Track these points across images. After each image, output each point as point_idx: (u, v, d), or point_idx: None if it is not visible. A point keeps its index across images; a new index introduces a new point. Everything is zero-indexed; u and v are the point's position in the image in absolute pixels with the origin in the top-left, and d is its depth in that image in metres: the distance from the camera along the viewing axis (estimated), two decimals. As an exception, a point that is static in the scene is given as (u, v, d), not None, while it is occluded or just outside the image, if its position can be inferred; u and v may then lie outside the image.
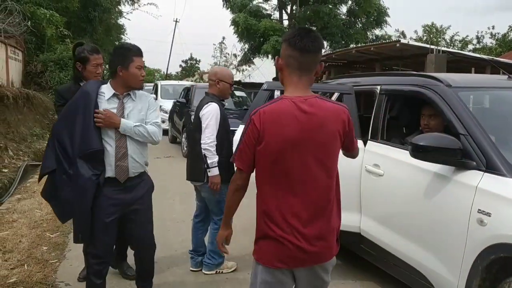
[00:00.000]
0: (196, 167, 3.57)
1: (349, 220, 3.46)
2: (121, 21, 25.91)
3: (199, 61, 46.46)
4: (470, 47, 30.09)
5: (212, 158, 3.38)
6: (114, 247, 3.09)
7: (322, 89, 5.04)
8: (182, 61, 47.49)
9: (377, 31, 20.64)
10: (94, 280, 2.81)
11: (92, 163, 2.62)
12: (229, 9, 19.47)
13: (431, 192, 2.77)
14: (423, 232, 2.83)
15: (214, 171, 3.39)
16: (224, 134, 3.51)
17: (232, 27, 18.97)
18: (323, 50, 1.85)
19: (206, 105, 3.49)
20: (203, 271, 3.73)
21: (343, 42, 18.41)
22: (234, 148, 2.27)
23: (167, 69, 41.54)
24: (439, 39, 30.09)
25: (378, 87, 3.61)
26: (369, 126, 3.58)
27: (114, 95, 2.75)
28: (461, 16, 74.49)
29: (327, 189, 1.91)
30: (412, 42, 12.63)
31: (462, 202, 2.52)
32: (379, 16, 19.19)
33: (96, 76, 3.23)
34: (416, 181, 2.90)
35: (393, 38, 22.82)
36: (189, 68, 45.42)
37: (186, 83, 16.58)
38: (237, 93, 11.52)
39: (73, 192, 2.62)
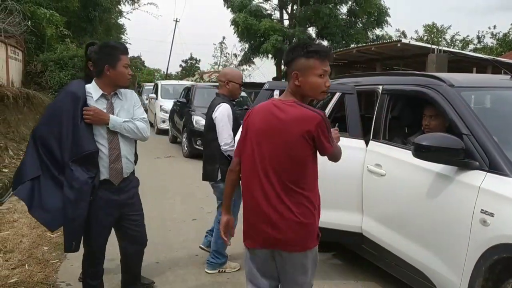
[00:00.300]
0: (209, 167, 3.68)
1: (350, 220, 3.45)
2: (121, 20, 25.99)
3: (199, 61, 46.47)
4: (471, 46, 30.10)
5: (231, 148, 3.47)
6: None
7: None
8: (182, 61, 47.51)
9: (378, 31, 20.66)
10: (91, 282, 2.81)
11: (86, 165, 2.56)
12: (229, 9, 19.46)
13: (433, 192, 2.76)
14: (426, 232, 2.82)
15: None
16: (233, 133, 3.59)
17: (232, 27, 18.97)
18: (291, 63, 2.11)
19: (217, 106, 3.61)
20: (205, 270, 3.73)
21: (343, 42, 18.39)
22: None
23: (167, 69, 41.56)
24: (440, 39, 30.09)
25: (380, 87, 3.60)
26: (371, 126, 3.57)
27: (102, 95, 2.69)
28: (462, 16, 74.57)
29: (288, 181, 2.06)
30: (413, 42, 12.62)
31: (465, 202, 2.51)
32: (380, 16, 19.17)
33: None
34: (419, 181, 2.89)
35: (394, 38, 22.84)
36: (189, 68, 45.41)
37: (186, 83, 16.58)
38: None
39: (67, 197, 2.52)
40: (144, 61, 44.24)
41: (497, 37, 29.30)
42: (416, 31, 32.71)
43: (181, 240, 4.53)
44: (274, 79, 18.56)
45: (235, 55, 24.89)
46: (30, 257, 3.85)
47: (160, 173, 7.86)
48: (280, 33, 17.47)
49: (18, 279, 3.42)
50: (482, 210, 2.39)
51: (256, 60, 21.90)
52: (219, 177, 3.59)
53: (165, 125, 13.04)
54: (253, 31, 17.87)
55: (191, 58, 46.40)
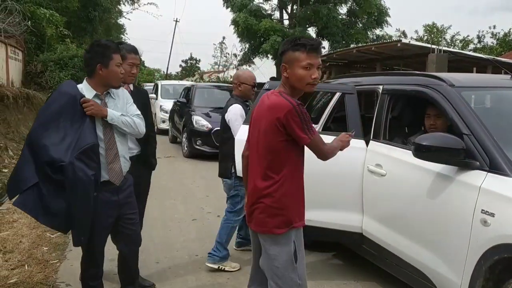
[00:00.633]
0: (223, 164, 3.86)
1: (351, 220, 3.45)
2: (121, 20, 25.99)
3: (199, 61, 46.43)
4: (471, 46, 30.08)
5: None
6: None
7: (323, 89, 5.03)
8: (182, 61, 47.44)
9: (378, 31, 20.64)
10: (91, 283, 2.80)
11: (87, 162, 2.50)
12: (229, 9, 19.45)
13: (434, 192, 2.75)
14: (426, 233, 2.82)
15: None
16: None
17: (232, 26, 18.97)
18: (282, 56, 2.26)
19: (229, 108, 3.81)
20: (206, 263, 3.78)
21: (343, 42, 18.39)
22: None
23: (167, 69, 41.53)
24: (440, 39, 30.08)
25: (380, 87, 3.59)
26: (371, 126, 3.57)
27: (95, 95, 2.65)
28: (462, 16, 74.56)
29: (260, 165, 2.23)
30: (413, 42, 12.62)
31: (465, 202, 2.50)
32: (380, 16, 19.16)
33: (130, 76, 3.13)
34: (419, 181, 2.88)
35: (394, 38, 22.82)
36: (189, 68, 45.38)
37: (186, 83, 16.57)
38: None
39: (73, 198, 2.48)
40: (144, 61, 44.21)
41: (497, 36, 29.30)
42: (416, 31, 32.70)
43: (182, 240, 4.53)
44: (272, 79, 18.54)
45: (235, 55, 24.86)
46: (30, 257, 3.84)
47: (160, 173, 7.84)
48: (280, 33, 17.47)
49: (18, 280, 3.41)
50: (482, 210, 2.39)
51: (256, 60, 21.90)
52: (233, 174, 3.75)
53: (165, 125, 13.04)
54: (253, 31, 17.87)
55: (191, 58, 46.38)
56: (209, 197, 6.28)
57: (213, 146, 9.30)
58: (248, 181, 2.36)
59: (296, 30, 17.76)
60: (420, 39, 30.12)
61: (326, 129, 4.21)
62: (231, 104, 3.83)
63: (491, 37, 29.94)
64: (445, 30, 31.58)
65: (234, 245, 4.25)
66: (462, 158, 2.58)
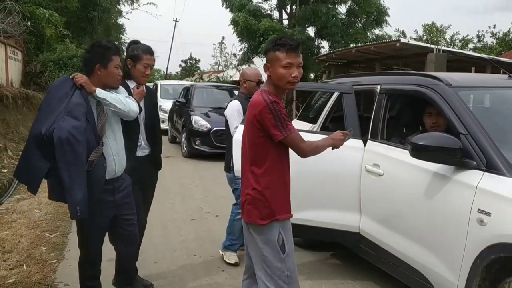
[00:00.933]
0: (225, 160, 4.03)
1: (348, 219, 3.46)
2: (121, 20, 25.95)
3: (199, 61, 46.38)
4: (471, 46, 30.06)
5: None
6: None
7: (321, 88, 5.04)
8: (182, 61, 47.41)
9: (377, 31, 20.60)
10: (88, 283, 2.80)
11: (74, 123, 2.44)
12: (228, 9, 19.43)
13: (431, 192, 2.76)
14: (423, 232, 2.82)
15: None
16: None
17: (232, 26, 18.95)
18: (265, 56, 2.37)
19: (228, 104, 3.98)
20: (219, 250, 4.06)
21: (343, 42, 18.34)
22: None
23: (167, 68, 41.49)
24: (439, 39, 30.06)
25: (378, 87, 3.59)
26: (369, 126, 3.57)
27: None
28: (462, 16, 74.54)
29: (247, 160, 2.35)
30: (412, 42, 12.61)
31: (462, 201, 2.51)
32: (379, 16, 19.11)
33: (144, 77, 3.12)
34: (416, 181, 2.89)
35: (393, 38, 22.79)
36: (189, 68, 45.34)
37: (186, 83, 16.57)
38: (237, 92, 11.53)
39: (60, 159, 2.39)
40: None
41: (497, 36, 29.27)
42: (416, 31, 32.65)
43: (181, 240, 4.53)
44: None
45: (235, 55, 24.80)
46: (28, 257, 3.85)
47: (160, 173, 7.86)
48: (279, 33, 17.42)
49: (16, 280, 3.42)
50: (479, 209, 2.39)
51: (256, 59, 21.87)
52: (232, 168, 3.86)
53: (165, 125, 13.04)
54: (253, 31, 17.85)
55: (191, 58, 46.34)
56: (208, 197, 6.28)
57: (212, 146, 9.32)
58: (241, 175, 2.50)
59: (295, 30, 17.73)
60: (419, 38, 30.08)
61: (325, 128, 4.23)
62: (231, 101, 3.99)
63: (490, 37, 29.92)
64: (444, 30, 31.56)
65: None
66: (459, 158, 2.59)
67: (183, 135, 10.22)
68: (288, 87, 2.32)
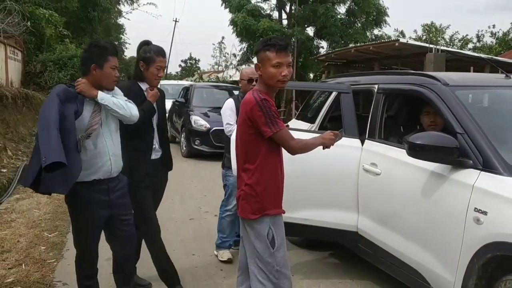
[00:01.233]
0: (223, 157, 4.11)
1: (346, 219, 3.46)
2: (121, 21, 25.94)
3: (199, 60, 46.44)
4: (470, 45, 30.05)
5: (232, 132, 3.81)
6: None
7: (320, 88, 5.05)
8: (182, 60, 47.47)
9: (377, 31, 20.60)
10: (86, 282, 2.80)
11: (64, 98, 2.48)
12: (227, 9, 19.43)
13: (428, 191, 2.77)
14: (420, 231, 2.83)
15: None
16: None
17: (231, 26, 18.95)
18: (256, 56, 2.47)
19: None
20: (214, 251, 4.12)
21: (342, 42, 18.35)
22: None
23: (167, 68, 41.49)
24: (439, 38, 30.05)
25: (376, 86, 3.60)
26: (367, 125, 3.58)
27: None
28: (461, 16, 74.51)
29: (241, 157, 2.42)
30: (411, 41, 12.62)
31: (458, 200, 2.52)
32: (379, 16, 19.12)
33: (156, 79, 3.10)
34: (413, 180, 2.90)
35: (393, 38, 22.79)
36: (189, 68, 45.35)
37: (186, 83, 16.57)
38: (236, 92, 11.53)
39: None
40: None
41: (496, 36, 29.27)
42: (415, 31, 32.66)
43: (179, 239, 4.54)
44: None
45: (234, 55, 24.81)
46: (27, 257, 3.86)
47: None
48: (279, 33, 17.43)
49: (15, 279, 3.43)
50: (475, 208, 2.40)
51: (255, 59, 21.85)
52: (226, 163, 3.98)
53: (164, 125, 13.04)
54: (252, 31, 17.85)
55: (191, 58, 46.38)
56: (207, 197, 6.29)
57: (212, 146, 9.32)
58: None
59: (294, 30, 17.74)
60: (419, 38, 30.06)
61: (323, 128, 4.24)
62: (226, 99, 4.10)
63: (490, 37, 29.92)
64: (443, 30, 31.56)
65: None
66: (456, 157, 2.60)
67: (182, 135, 10.23)
68: (278, 85, 2.38)
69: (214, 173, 4.12)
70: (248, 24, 17.69)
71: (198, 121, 9.67)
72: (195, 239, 4.54)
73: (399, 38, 13.94)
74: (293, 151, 2.40)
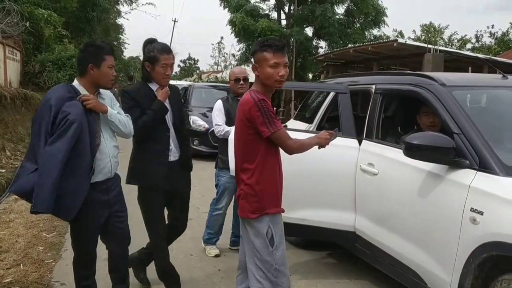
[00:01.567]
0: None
1: (344, 219, 3.47)
2: (120, 21, 25.95)
3: (198, 61, 46.47)
4: (469, 46, 30.07)
5: (221, 131, 4.06)
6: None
7: (318, 88, 5.06)
8: (181, 61, 47.49)
9: (375, 31, 20.60)
10: (84, 282, 2.80)
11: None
12: (226, 9, 19.43)
13: (424, 191, 2.78)
14: (417, 231, 2.84)
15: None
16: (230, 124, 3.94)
17: (229, 26, 18.94)
18: (253, 57, 2.48)
19: None
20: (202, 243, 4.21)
21: (341, 42, 18.35)
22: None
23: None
24: (437, 39, 30.07)
25: (373, 86, 3.61)
26: (364, 125, 3.59)
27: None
28: (460, 16, 74.66)
29: (240, 157, 2.45)
30: (409, 42, 12.64)
31: (455, 200, 2.53)
32: (377, 16, 19.10)
33: (164, 78, 3.01)
34: (410, 180, 2.91)
35: (391, 38, 22.80)
36: (188, 68, 45.38)
37: (185, 83, 16.57)
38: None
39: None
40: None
41: (495, 36, 29.29)
42: (414, 31, 32.65)
43: (177, 239, 4.52)
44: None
45: (233, 55, 24.83)
46: (25, 257, 3.86)
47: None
48: (277, 33, 17.43)
49: (13, 279, 3.43)
50: (472, 208, 2.41)
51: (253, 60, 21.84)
52: (218, 164, 4.10)
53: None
54: (250, 31, 17.84)
55: (189, 58, 46.41)
56: (205, 197, 6.27)
57: (210, 146, 9.31)
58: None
59: (293, 30, 17.74)
60: (417, 39, 30.08)
61: (321, 128, 4.24)
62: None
63: (489, 37, 29.95)
64: (442, 30, 31.57)
65: (229, 244, 4.28)
66: (452, 157, 2.61)
67: (181, 135, 10.22)
68: (276, 85, 2.41)
69: (213, 174, 4.11)
70: (246, 24, 17.68)
71: (197, 121, 9.68)
72: (193, 239, 4.53)
73: (397, 38, 13.92)
74: (290, 151, 2.42)
